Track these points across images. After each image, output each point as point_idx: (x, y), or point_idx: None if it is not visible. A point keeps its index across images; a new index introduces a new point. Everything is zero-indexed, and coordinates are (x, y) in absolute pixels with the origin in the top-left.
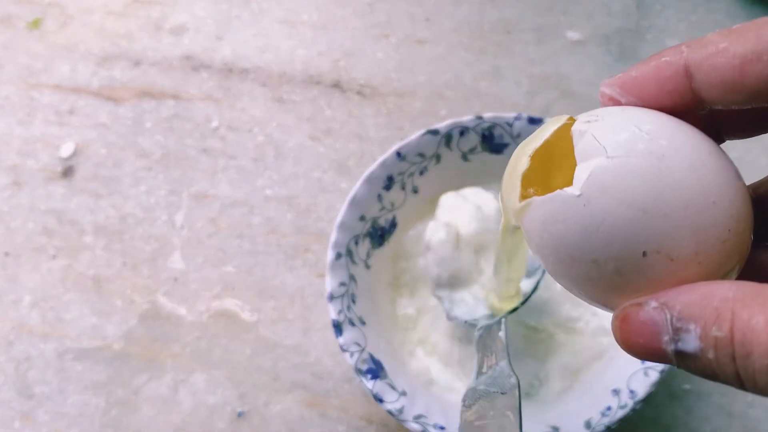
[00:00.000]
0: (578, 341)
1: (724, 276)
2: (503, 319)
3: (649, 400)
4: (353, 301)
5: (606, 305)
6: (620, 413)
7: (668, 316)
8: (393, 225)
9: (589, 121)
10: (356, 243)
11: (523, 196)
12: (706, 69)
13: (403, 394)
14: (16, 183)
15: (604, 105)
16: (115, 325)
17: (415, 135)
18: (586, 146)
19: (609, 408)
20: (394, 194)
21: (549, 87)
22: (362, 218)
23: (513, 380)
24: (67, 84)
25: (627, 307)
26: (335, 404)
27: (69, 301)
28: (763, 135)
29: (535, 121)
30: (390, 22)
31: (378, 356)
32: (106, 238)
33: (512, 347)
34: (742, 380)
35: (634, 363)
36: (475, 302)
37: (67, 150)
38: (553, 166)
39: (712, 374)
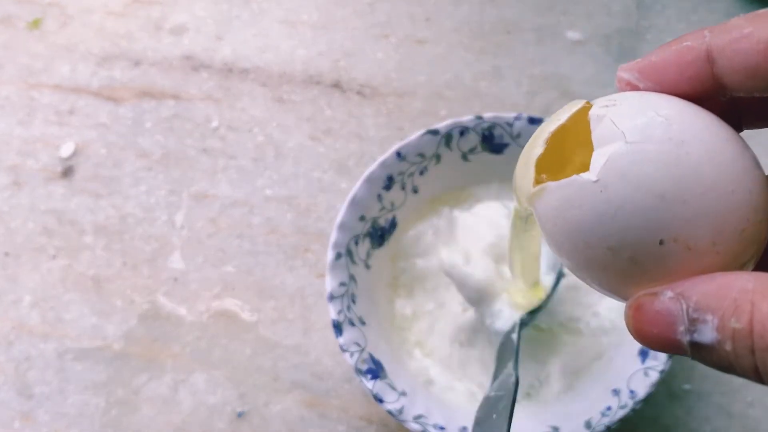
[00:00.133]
0: (578, 341)
1: (740, 266)
2: (518, 321)
3: (649, 400)
4: (353, 301)
5: (619, 294)
6: (620, 413)
7: (684, 307)
8: (393, 225)
9: (606, 106)
10: (356, 243)
11: (537, 182)
12: (728, 54)
13: (403, 394)
14: (16, 183)
15: (622, 90)
16: (115, 325)
17: (415, 135)
18: (604, 131)
19: (609, 408)
20: (394, 194)
21: (549, 87)
22: (362, 218)
23: (512, 379)
24: (67, 84)
25: (641, 296)
26: (335, 404)
27: (69, 301)
28: (763, 136)
29: (535, 121)
30: (390, 22)
31: (378, 356)
32: (106, 238)
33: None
34: (760, 373)
35: (634, 363)
36: (510, 311)
37: (67, 150)
38: (567, 152)
39: (729, 366)
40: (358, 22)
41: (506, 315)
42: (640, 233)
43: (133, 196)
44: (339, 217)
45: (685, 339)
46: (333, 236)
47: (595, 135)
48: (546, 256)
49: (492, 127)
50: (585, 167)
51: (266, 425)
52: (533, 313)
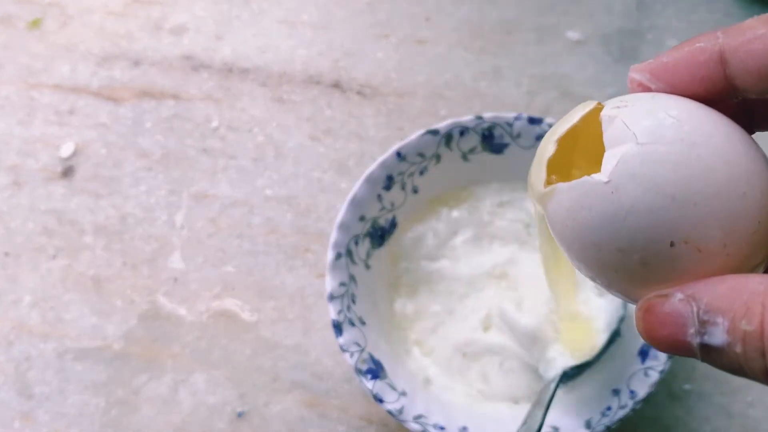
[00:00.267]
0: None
1: (751, 269)
2: (560, 372)
3: (649, 400)
4: (353, 301)
5: (629, 296)
6: (620, 413)
7: (695, 309)
8: (393, 225)
9: (618, 107)
10: (356, 243)
11: (548, 183)
12: (741, 55)
13: (403, 394)
14: (16, 183)
15: (633, 91)
16: (115, 325)
17: (415, 135)
18: (615, 132)
19: (609, 408)
20: (394, 194)
21: (549, 87)
22: (362, 218)
23: (535, 427)
24: (67, 84)
25: (651, 298)
26: (335, 404)
27: (69, 301)
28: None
29: (535, 121)
30: (390, 22)
31: (378, 356)
32: (106, 238)
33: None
34: None
35: (634, 363)
36: (562, 357)
37: (67, 150)
38: (578, 153)
39: (738, 369)
40: (358, 22)
41: (559, 364)
42: (651, 235)
43: (133, 196)
44: (339, 217)
45: (696, 341)
46: (333, 236)
47: (607, 136)
48: (606, 313)
49: (492, 127)
50: (596, 168)
51: (266, 425)
52: (581, 368)
